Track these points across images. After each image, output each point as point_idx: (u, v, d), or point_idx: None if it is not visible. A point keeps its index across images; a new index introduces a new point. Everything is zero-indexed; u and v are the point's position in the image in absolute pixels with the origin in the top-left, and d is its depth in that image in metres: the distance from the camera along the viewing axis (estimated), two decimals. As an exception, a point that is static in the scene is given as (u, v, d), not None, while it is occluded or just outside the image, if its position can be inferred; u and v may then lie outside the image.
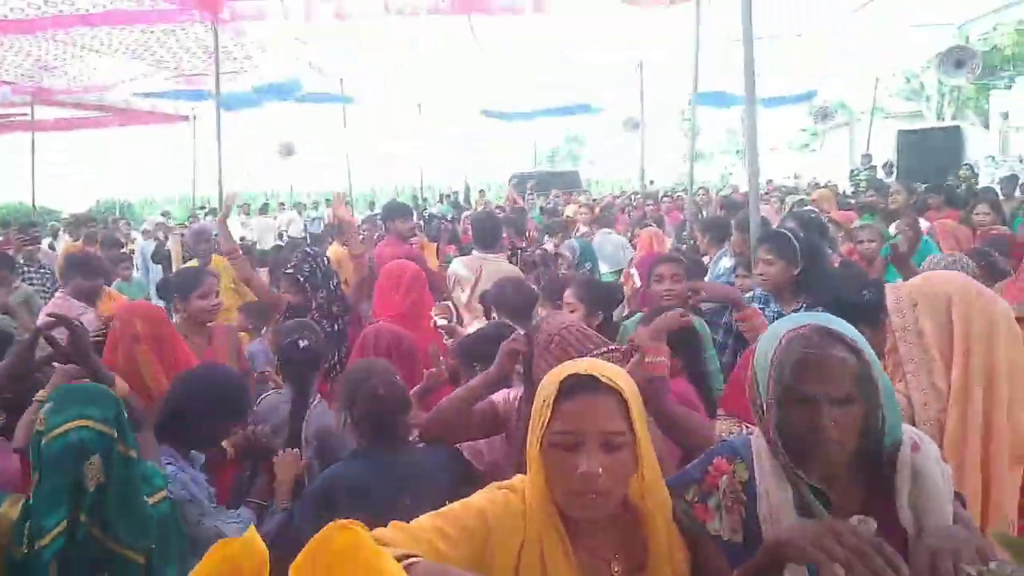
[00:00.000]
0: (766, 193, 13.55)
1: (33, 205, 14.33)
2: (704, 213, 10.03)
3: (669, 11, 8.90)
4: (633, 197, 14.75)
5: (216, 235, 5.63)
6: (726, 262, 5.57)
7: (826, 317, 1.54)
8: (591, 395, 1.42)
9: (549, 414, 1.42)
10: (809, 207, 7.78)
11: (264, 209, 19.45)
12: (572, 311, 3.52)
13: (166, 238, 10.18)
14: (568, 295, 3.69)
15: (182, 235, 7.24)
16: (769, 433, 1.50)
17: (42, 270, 6.98)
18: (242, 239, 10.63)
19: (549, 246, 6.91)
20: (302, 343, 3.18)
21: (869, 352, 1.48)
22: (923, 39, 13.98)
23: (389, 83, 13.04)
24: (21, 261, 7.13)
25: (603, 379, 1.43)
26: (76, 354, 2.26)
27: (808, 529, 1.28)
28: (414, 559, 1.15)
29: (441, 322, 3.98)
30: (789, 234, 3.79)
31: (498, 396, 2.50)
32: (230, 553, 0.74)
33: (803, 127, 29.26)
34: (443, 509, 1.45)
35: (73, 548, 1.81)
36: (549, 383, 1.46)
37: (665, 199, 14.43)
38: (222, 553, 0.74)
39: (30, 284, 6.64)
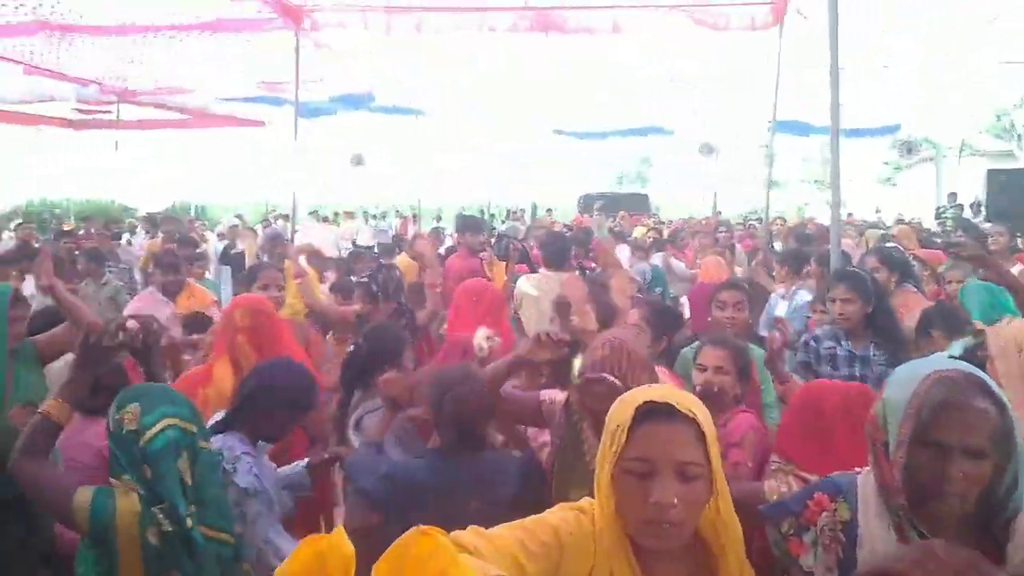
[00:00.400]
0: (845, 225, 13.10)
1: (113, 202, 14.85)
2: (777, 243, 9.74)
3: (751, 36, 8.68)
4: (703, 223, 14.46)
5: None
6: (803, 295, 5.46)
7: (969, 365, 1.48)
8: (667, 423, 1.39)
9: (623, 440, 1.38)
10: (892, 243, 7.46)
11: (327, 218, 19.78)
12: (638, 334, 3.47)
13: (237, 240, 10.34)
14: (635, 317, 3.63)
15: (255, 236, 7.34)
16: (889, 474, 1.44)
17: (120, 265, 7.20)
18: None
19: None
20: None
21: (1011, 409, 1.40)
22: (1015, 76, 13.40)
23: (461, 98, 13.07)
24: (104, 253, 7.39)
25: (680, 408, 1.40)
26: (142, 352, 2.33)
27: (908, 552, 1.19)
28: None
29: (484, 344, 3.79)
30: (864, 274, 3.94)
31: (545, 394, 2.65)
32: (318, 549, 0.76)
33: (885, 160, 28.39)
34: (521, 522, 1.42)
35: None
36: (623, 409, 1.43)
37: (738, 227, 14.11)
38: (312, 548, 0.76)
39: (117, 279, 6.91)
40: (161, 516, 1.94)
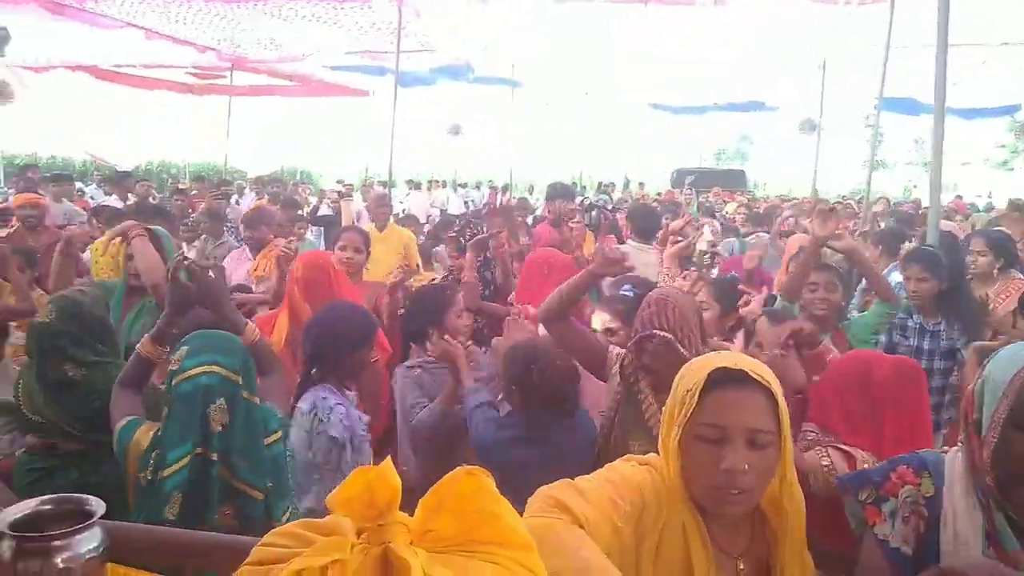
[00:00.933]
0: (949, 209, 12.51)
1: (225, 165, 15.63)
2: (880, 225, 9.42)
3: (859, 10, 8.40)
4: (804, 202, 14.05)
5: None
6: (896, 276, 5.34)
7: None
8: (739, 389, 1.37)
9: (694, 404, 1.37)
10: (999, 227, 7.14)
11: (419, 186, 20.15)
12: (706, 311, 3.49)
13: (324, 203, 10.57)
14: (703, 294, 3.63)
15: (349, 199, 7.64)
16: (978, 453, 1.42)
17: (228, 224, 7.65)
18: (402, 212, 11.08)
19: (702, 244, 6.71)
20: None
21: None
22: None
23: (558, 70, 13.09)
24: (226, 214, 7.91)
25: (753, 374, 1.38)
26: (207, 299, 2.38)
27: (986, 566, 1.25)
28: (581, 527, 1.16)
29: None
30: (937, 252, 4.10)
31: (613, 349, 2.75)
32: (367, 479, 0.80)
33: (1002, 143, 26.73)
34: (607, 476, 1.42)
35: (198, 483, 1.92)
36: (694, 373, 1.41)
37: (836, 206, 13.64)
38: (362, 478, 0.80)
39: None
40: (152, 460, 1.94)
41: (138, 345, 2.30)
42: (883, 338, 4.00)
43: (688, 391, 1.39)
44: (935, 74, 4.53)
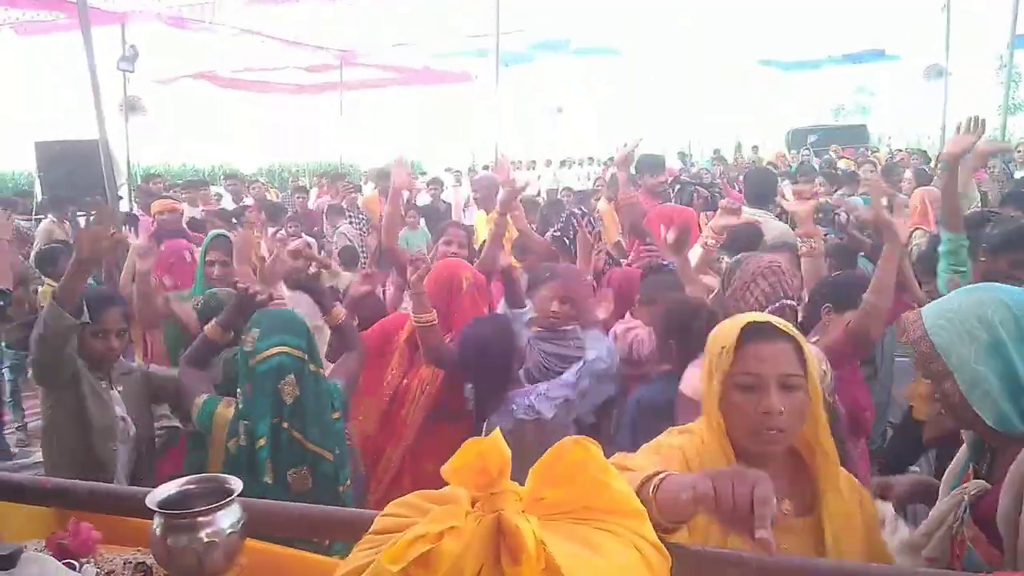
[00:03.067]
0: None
1: (340, 160, 16.21)
2: (1019, 174, 8.71)
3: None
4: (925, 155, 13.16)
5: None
6: None
7: None
8: (770, 341, 1.52)
9: (730, 359, 1.50)
10: None
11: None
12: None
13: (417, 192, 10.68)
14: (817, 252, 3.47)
15: (458, 187, 7.79)
16: None
17: (360, 215, 7.99)
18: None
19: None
20: None
21: None
22: None
23: (660, 33, 12.79)
24: (345, 207, 8.26)
25: (780, 327, 1.54)
26: (307, 285, 2.72)
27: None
28: (663, 473, 1.20)
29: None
30: None
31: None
32: (480, 449, 0.83)
33: None
34: (656, 448, 1.56)
35: (278, 448, 2.22)
36: (726, 331, 1.55)
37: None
38: (474, 448, 0.83)
39: (354, 227, 7.74)
40: (242, 431, 2.22)
41: (206, 328, 2.62)
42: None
43: (723, 347, 1.53)
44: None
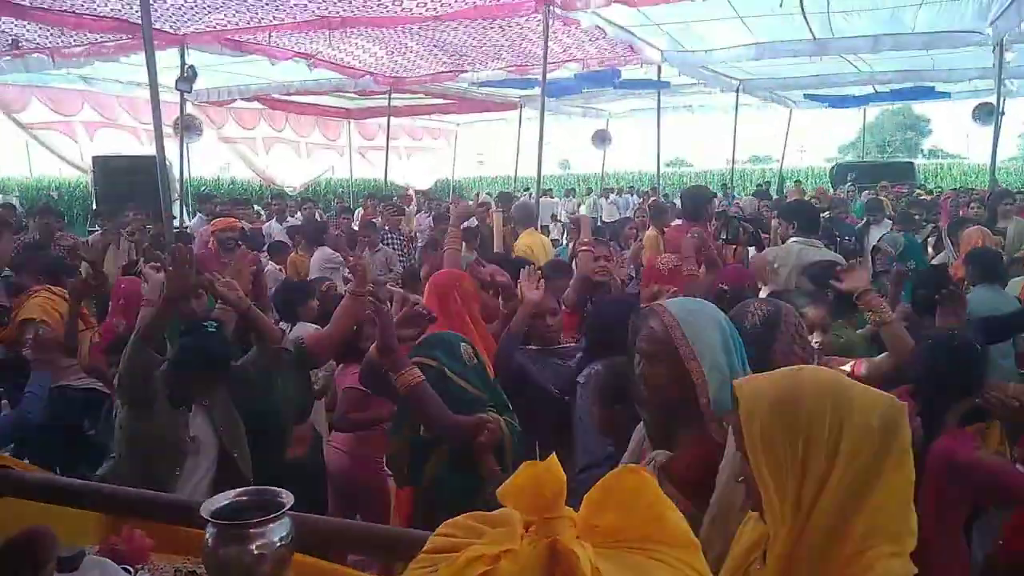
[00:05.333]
0: None
1: (386, 182, 16.43)
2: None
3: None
4: (973, 194, 12.88)
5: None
6: None
7: None
8: None
9: None
10: None
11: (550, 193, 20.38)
12: None
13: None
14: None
15: (499, 212, 7.85)
16: None
17: (402, 237, 8.14)
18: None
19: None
20: None
21: None
22: None
23: (705, 68, 12.74)
24: (387, 229, 8.40)
25: None
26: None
27: None
28: None
29: None
30: None
31: None
32: (535, 472, 0.84)
33: None
34: None
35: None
36: None
37: (1020, 195, 12.42)
38: (531, 471, 0.84)
39: (391, 248, 7.89)
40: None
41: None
42: None
43: None
44: None
